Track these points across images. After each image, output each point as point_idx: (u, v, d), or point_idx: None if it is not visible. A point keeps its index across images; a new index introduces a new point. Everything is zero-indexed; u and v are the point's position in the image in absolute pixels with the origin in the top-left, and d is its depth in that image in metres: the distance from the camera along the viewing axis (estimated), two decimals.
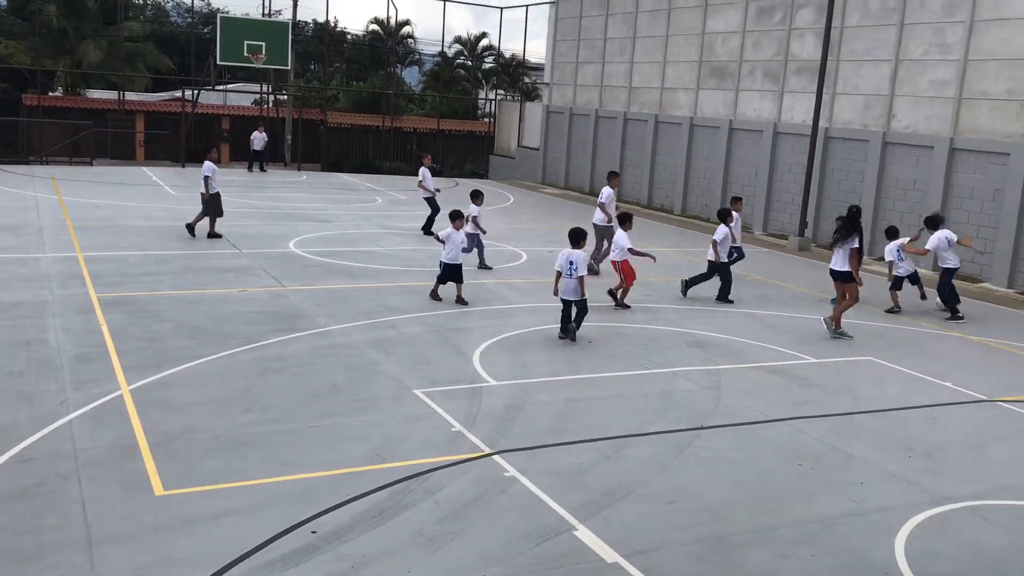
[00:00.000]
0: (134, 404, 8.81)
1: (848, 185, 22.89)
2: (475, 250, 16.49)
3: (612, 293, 14.58)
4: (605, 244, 17.30)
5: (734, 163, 26.61)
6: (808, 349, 12.58)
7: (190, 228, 18.33)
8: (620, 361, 11.42)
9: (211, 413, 8.71)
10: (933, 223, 15.59)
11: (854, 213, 13.77)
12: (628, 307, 14.43)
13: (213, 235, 18.30)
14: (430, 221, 20.73)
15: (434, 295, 13.98)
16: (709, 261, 15.52)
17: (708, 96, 27.73)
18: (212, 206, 18.42)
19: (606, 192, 17.98)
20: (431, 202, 20.87)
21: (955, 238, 15.45)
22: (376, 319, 12.64)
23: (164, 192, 25.71)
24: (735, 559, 6.56)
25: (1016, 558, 6.86)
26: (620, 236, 14.72)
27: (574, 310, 12.20)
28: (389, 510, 6.91)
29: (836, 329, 13.41)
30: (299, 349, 11.00)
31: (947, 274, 15.25)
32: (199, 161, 34.92)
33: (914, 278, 15.86)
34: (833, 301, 15.27)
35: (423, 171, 21.06)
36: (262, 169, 33.89)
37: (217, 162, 18.95)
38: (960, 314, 15.19)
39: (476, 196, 17.13)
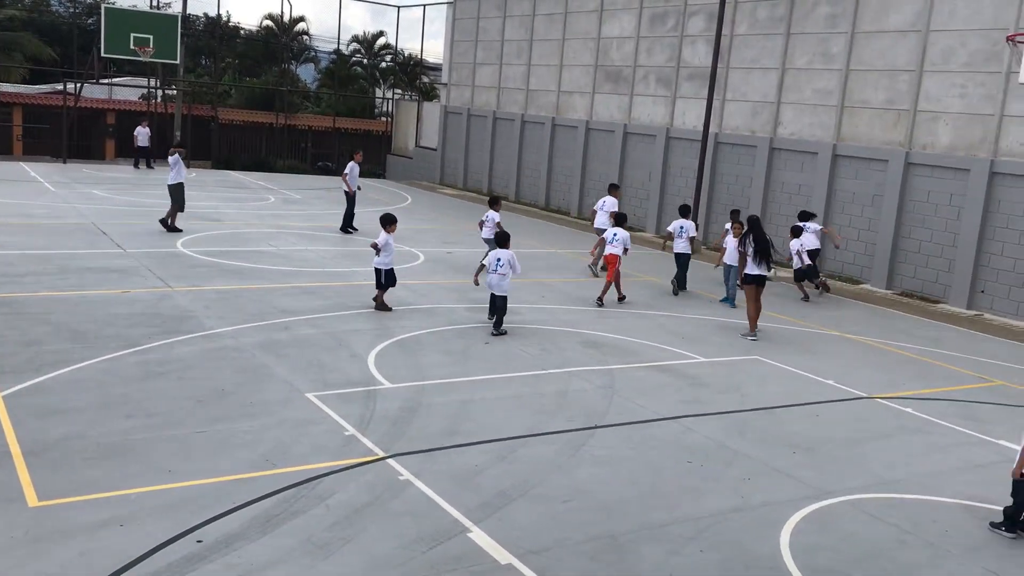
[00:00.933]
0: (7, 411, 8.37)
1: (737, 189, 23.55)
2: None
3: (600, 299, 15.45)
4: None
5: (628, 166, 27.06)
6: (698, 349, 12.88)
7: (169, 226, 18.88)
8: (516, 362, 11.46)
9: (91, 420, 8.35)
10: (805, 217, 18.55)
11: (754, 222, 14.30)
12: (603, 304, 15.35)
13: (173, 228, 18.86)
14: (348, 218, 20.83)
15: (381, 306, 13.57)
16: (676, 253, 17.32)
17: (603, 100, 28.12)
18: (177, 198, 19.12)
19: (610, 201, 19.40)
20: (351, 199, 20.91)
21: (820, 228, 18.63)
22: (267, 321, 12.35)
23: (44, 188, 24.58)
24: (627, 557, 6.65)
25: (893, 549, 7.16)
26: (623, 233, 15.91)
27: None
28: (278, 517, 6.75)
29: (752, 332, 13.91)
30: (186, 352, 10.65)
31: (812, 253, 17.68)
32: (82, 157, 33.58)
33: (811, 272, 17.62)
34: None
35: (352, 165, 21.19)
36: (149, 166, 32.76)
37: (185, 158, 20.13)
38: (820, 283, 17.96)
39: (495, 202, 17.30)
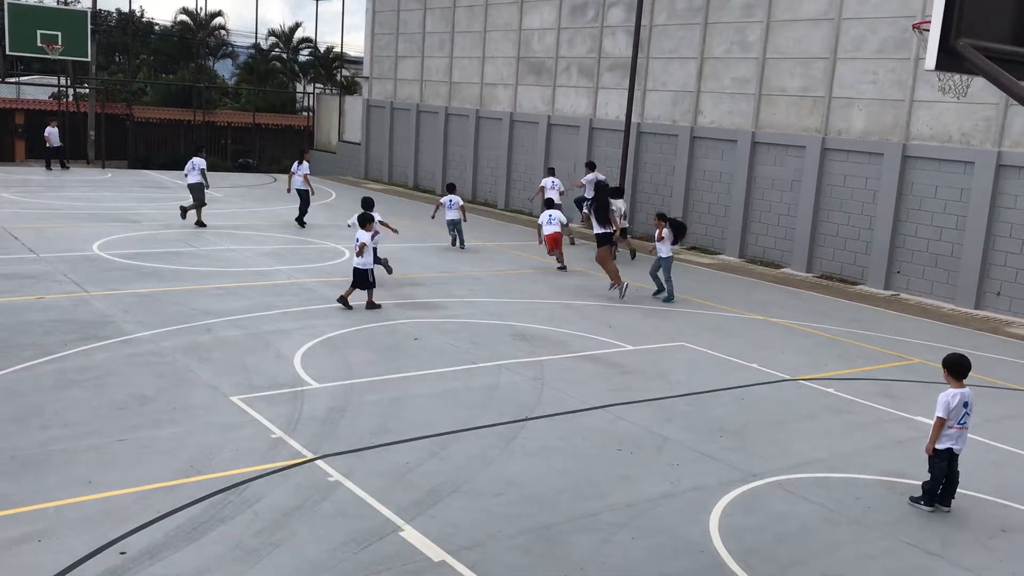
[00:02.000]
0: None
1: (660, 178, 23.83)
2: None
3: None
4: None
5: (553, 157, 27.15)
6: (625, 337, 13.00)
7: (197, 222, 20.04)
8: (446, 357, 11.41)
9: (4, 432, 8.04)
10: (591, 167, 21.69)
11: (601, 186, 16.70)
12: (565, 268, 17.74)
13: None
14: (303, 212, 21.58)
15: (343, 301, 13.45)
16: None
17: (527, 92, 28.16)
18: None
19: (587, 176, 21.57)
20: (305, 195, 21.54)
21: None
22: (189, 324, 12.07)
23: None
24: (560, 547, 6.67)
25: (819, 526, 7.33)
26: (557, 213, 18.27)
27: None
28: (205, 524, 6.60)
29: (617, 285, 15.57)
30: (104, 359, 10.34)
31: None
32: None
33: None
34: (660, 296, 15.79)
35: (306, 165, 21.91)
36: (63, 166, 31.70)
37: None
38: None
39: (453, 188, 20.33)
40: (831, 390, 11.10)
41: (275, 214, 23.44)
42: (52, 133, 31.29)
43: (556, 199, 20.46)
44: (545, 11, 27.28)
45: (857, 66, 19.27)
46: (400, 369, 10.78)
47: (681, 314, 14.89)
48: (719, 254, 21.99)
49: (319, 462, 7.86)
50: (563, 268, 18.13)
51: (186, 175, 20.69)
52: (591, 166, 22.30)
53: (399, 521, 6.85)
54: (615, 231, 16.52)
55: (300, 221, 21.53)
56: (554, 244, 17.92)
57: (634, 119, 23.48)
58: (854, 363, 12.57)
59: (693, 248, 22.51)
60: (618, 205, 18.64)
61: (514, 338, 12.55)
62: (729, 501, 7.66)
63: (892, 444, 9.38)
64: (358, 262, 13.45)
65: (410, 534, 6.66)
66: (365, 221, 13.77)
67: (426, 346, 11.85)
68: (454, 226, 19.87)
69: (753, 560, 6.68)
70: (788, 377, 11.55)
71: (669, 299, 15.74)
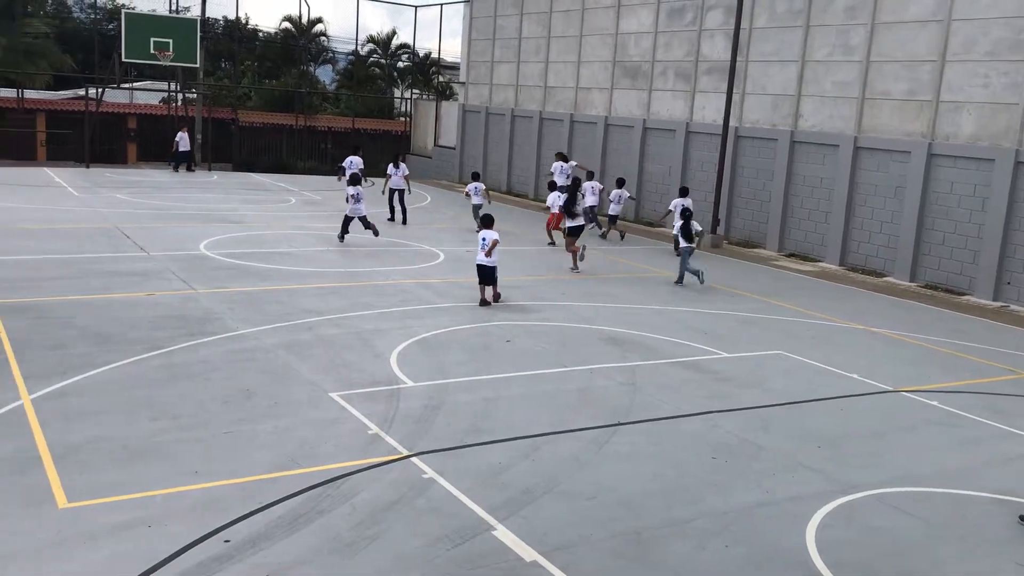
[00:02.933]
0: (36, 414, 8.46)
1: (758, 183, 23.44)
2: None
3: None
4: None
5: (648, 161, 26.98)
6: (720, 344, 12.82)
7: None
8: (537, 359, 11.46)
9: (117, 422, 8.43)
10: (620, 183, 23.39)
11: (575, 183, 19.79)
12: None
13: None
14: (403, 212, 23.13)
15: (483, 302, 14.19)
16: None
17: (622, 96, 28.06)
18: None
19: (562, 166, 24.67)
20: (402, 196, 23.03)
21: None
22: (291, 321, 12.42)
23: (67, 193, 24.81)
24: (652, 552, 6.64)
25: (921, 542, 7.11)
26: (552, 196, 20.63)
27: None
28: (304, 516, 6.79)
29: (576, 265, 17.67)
30: (210, 354, 10.73)
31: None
32: (104, 161, 33.89)
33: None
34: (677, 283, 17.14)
35: (404, 167, 23.32)
36: (189, 169, 33.26)
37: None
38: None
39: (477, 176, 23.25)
40: (935, 403, 10.74)
41: (372, 217, 23.88)
42: (182, 138, 33.03)
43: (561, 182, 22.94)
44: (642, 15, 27.14)
45: (967, 69, 18.60)
46: (492, 370, 10.87)
47: (778, 322, 14.62)
48: (819, 261, 21.50)
49: (414, 459, 8.00)
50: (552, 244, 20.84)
51: (346, 172, 24.85)
52: (562, 157, 25.20)
53: (492, 520, 6.92)
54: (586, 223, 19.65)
55: (402, 220, 22.88)
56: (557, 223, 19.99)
57: (732, 123, 23.16)
58: (960, 375, 12.14)
59: (792, 255, 22.08)
60: (619, 193, 22.34)
61: (605, 342, 12.52)
62: (827, 513, 7.49)
63: (1001, 461, 9.03)
64: (487, 260, 14.09)
65: (503, 533, 6.72)
66: (490, 222, 14.87)
67: (518, 348, 11.93)
68: (479, 211, 20.96)
69: (851, 574, 6.52)
70: (889, 388, 11.23)
71: (679, 282, 17.37)
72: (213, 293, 13.83)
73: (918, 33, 19.47)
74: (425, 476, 7.66)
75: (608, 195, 23.65)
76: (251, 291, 14.12)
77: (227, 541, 6.34)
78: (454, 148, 36.77)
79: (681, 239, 17.57)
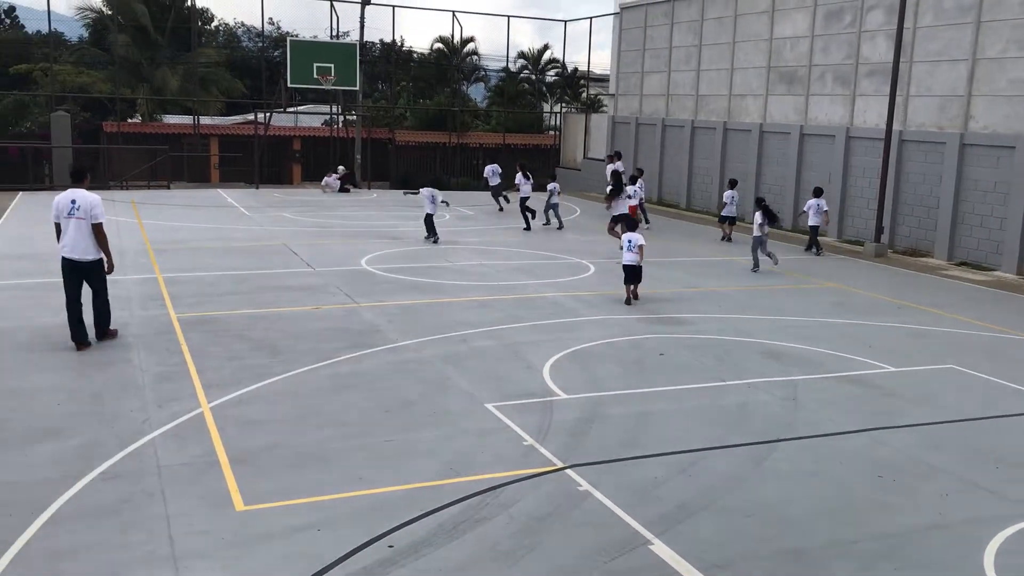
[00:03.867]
0: (214, 421, 9.02)
1: (925, 188, 22.34)
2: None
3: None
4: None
5: (805, 169, 26.19)
6: (887, 358, 12.28)
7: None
8: (693, 373, 11.31)
9: (289, 429, 8.88)
10: (818, 192, 22.29)
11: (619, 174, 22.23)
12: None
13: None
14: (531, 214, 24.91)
15: (628, 301, 15.23)
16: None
17: (777, 102, 27.36)
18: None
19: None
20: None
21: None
22: (447, 334, 12.74)
23: (239, 213, 26.33)
24: (814, 572, 6.43)
25: None
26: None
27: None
28: (464, 524, 6.95)
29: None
30: (373, 365, 11.15)
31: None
32: (272, 182, 35.73)
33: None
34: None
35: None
36: (345, 190, 34.34)
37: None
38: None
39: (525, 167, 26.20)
40: None
41: (520, 231, 24.22)
42: (493, 171, 34.28)
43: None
44: (798, 19, 26.41)
45: None
46: (646, 383, 10.80)
47: (949, 334, 13.87)
48: (993, 270, 20.27)
49: (569, 471, 8.05)
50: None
51: (487, 177, 28.79)
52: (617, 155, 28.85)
53: (648, 534, 6.88)
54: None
55: (529, 220, 24.77)
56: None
57: (895, 127, 22.19)
58: None
59: (963, 264, 20.91)
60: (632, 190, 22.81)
61: (764, 356, 12.22)
62: (1007, 537, 7.04)
63: None
64: (636, 260, 15.08)
65: (659, 548, 6.67)
66: (634, 225, 16.21)
67: (672, 362, 11.80)
68: (555, 209, 24.75)
69: None
70: None
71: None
72: (374, 306, 14.35)
73: None
74: (580, 488, 7.69)
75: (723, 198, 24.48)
76: (409, 304, 14.57)
77: (391, 546, 6.57)
78: (604, 160, 36.75)
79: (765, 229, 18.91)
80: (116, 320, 12.75)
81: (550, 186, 25.27)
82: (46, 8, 33.88)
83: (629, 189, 22.00)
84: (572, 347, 12.24)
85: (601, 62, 53.43)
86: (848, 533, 7.06)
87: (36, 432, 8.59)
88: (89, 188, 11.95)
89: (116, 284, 15.46)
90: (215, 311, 13.74)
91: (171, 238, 20.86)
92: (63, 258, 11.60)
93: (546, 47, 50.80)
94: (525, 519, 7.07)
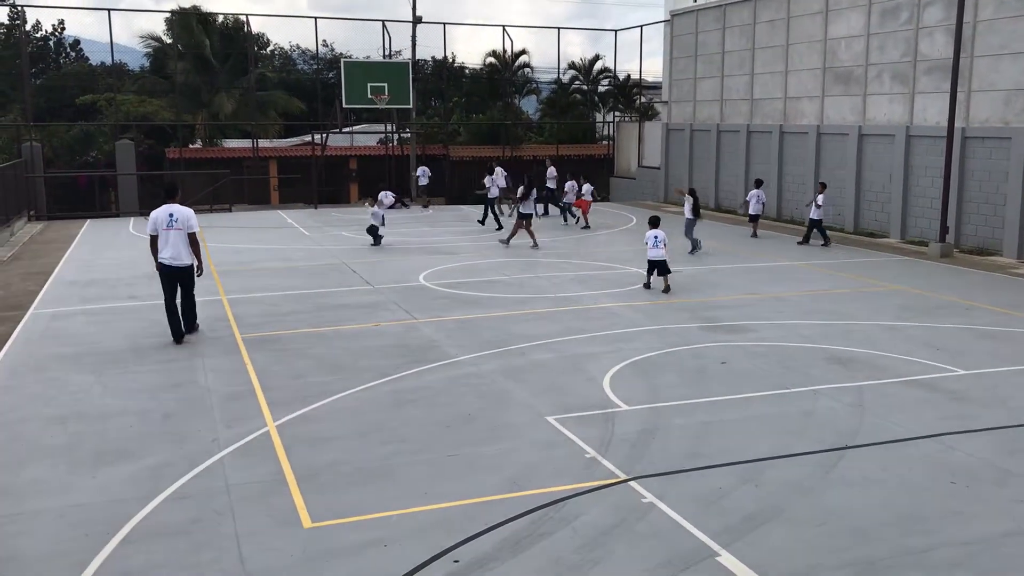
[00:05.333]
0: (280, 440, 9.16)
1: (990, 186, 21.79)
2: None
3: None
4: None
5: (865, 169, 25.74)
6: (956, 360, 11.98)
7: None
8: (756, 381, 11.16)
9: (352, 446, 8.98)
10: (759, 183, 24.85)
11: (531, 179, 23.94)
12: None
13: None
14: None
15: (648, 285, 17.12)
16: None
17: (834, 103, 26.96)
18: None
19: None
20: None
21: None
22: (505, 347, 12.77)
23: (299, 233, 26.76)
24: None
25: None
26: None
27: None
28: (528, 539, 6.94)
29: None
30: (432, 380, 11.23)
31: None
32: (329, 202, 36.24)
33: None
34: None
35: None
36: (404, 205, 34.36)
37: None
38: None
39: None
40: None
41: (576, 241, 24.21)
42: (423, 172, 35.23)
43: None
44: (852, 18, 26.01)
45: None
46: (708, 393, 10.70)
47: (1021, 335, 13.48)
48: None
49: (632, 483, 8.00)
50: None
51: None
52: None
53: (715, 546, 6.80)
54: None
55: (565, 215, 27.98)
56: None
57: (958, 123, 21.69)
58: None
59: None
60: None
61: (828, 362, 12.01)
62: None
63: None
64: (663, 255, 16.72)
65: (727, 560, 6.59)
66: (657, 222, 17.31)
67: (734, 370, 11.67)
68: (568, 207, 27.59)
69: None
70: None
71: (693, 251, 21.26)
72: (432, 322, 14.45)
73: None
74: (644, 500, 7.63)
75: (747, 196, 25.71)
76: (467, 319, 14.64)
77: (456, 561, 6.59)
78: (658, 168, 36.58)
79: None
80: (183, 341, 13.07)
81: (584, 187, 27.86)
82: (109, 40, 34.94)
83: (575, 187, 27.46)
84: (631, 358, 12.18)
85: (653, 69, 53.26)
86: (921, 541, 6.89)
87: (109, 454, 8.82)
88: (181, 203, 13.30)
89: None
90: (278, 330, 13.97)
91: (234, 260, 21.28)
92: (161, 264, 13.00)
93: (597, 57, 50.75)
94: (589, 532, 7.04)
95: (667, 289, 16.67)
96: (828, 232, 23.39)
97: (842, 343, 12.95)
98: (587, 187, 27.91)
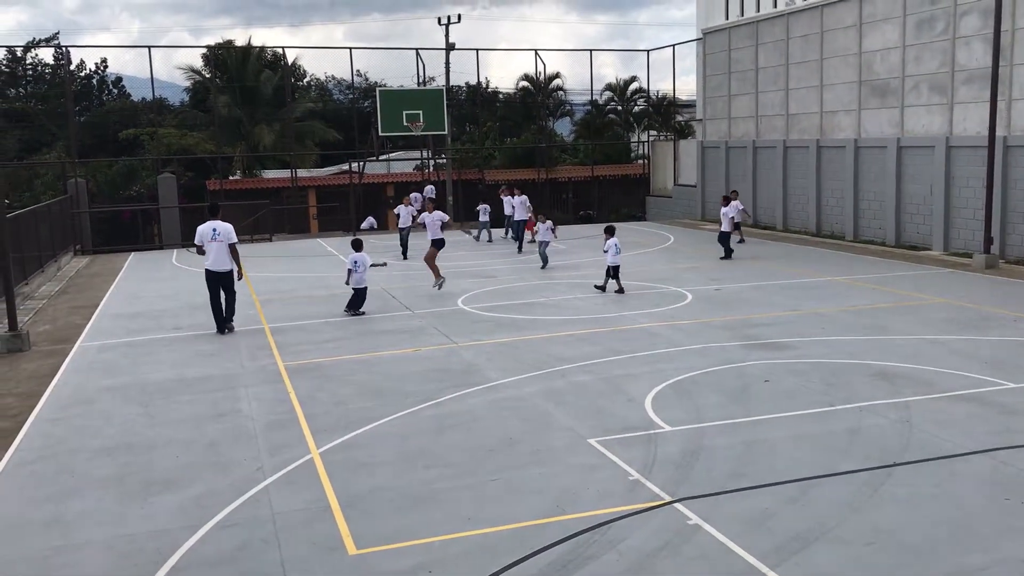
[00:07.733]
0: (324, 466, 9.22)
1: None
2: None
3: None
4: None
5: (905, 182, 25.45)
6: (1004, 374, 11.76)
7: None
8: (800, 399, 11.03)
9: (396, 471, 9.01)
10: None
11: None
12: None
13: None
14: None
15: (601, 288, 18.71)
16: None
17: (871, 116, 26.73)
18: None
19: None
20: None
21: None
22: (545, 370, 12.76)
23: (338, 261, 26.95)
24: None
25: None
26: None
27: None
28: (573, 562, 6.90)
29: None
30: (474, 404, 11.24)
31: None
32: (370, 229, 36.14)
33: None
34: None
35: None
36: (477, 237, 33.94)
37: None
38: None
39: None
40: None
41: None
42: (430, 190, 35.25)
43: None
44: (887, 30, 25.82)
45: None
46: (752, 412, 10.59)
47: None
48: None
49: (677, 505, 7.93)
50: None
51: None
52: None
53: (763, 567, 6.71)
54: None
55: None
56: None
57: (999, 133, 21.39)
58: None
59: None
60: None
61: (874, 377, 11.84)
62: None
63: None
64: (617, 260, 18.67)
65: None
66: (612, 231, 19.06)
67: (778, 388, 11.54)
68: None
69: None
70: None
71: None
72: (472, 346, 14.48)
73: None
74: (690, 522, 7.56)
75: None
76: (507, 342, 14.66)
77: None
78: (694, 186, 36.46)
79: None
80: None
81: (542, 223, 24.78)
82: (150, 76, 35.68)
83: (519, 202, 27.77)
84: (673, 378, 12.10)
85: (687, 87, 53.17)
86: (976, 559, 6.75)
87: (155, 484, 8.93)
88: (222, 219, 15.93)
89: (224, 337, 16.02)
90: (320, 358, 14.09)
91: (275, 288, 21.51)
92: (207, 270, 15.86)
93: (633, 78, 50.80)
94: (635, 555, 6.99)
95: (620, 290, 18.68)
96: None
97: (886, 358, 12.77)
98: (546, 224, 23.75)
